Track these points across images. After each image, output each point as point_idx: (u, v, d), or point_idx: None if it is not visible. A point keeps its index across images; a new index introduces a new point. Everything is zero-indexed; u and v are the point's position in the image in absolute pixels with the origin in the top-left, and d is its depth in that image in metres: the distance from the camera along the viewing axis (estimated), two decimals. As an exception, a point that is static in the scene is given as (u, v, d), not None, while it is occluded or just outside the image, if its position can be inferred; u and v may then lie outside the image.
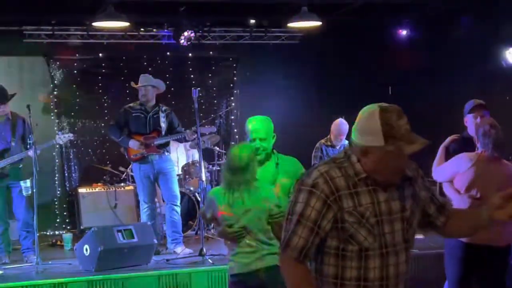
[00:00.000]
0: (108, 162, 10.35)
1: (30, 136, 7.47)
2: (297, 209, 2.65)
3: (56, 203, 10.58)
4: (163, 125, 8.02)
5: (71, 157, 10.73)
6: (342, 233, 2.63)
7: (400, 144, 2.55)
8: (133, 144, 7.91)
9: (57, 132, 9.99)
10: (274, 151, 4.66)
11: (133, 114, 8.03)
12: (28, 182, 7.58)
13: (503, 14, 9.38)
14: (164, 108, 8.15)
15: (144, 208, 8.02)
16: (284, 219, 2.73)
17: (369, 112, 2.62)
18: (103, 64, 10.96)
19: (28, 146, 7.58)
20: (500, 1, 9.49)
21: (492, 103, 6.68)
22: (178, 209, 8.03)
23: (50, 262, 7.38)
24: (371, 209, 2.62)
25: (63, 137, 7.88)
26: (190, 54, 11.15)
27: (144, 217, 8.02)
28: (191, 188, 9.46)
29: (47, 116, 10.52)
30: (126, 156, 8.16)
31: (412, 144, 2.57)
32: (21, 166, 7.73)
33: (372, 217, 2.62)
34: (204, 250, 7.23)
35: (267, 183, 4.45)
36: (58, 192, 10.63)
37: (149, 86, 8.07)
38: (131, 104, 8.18)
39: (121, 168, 9.95)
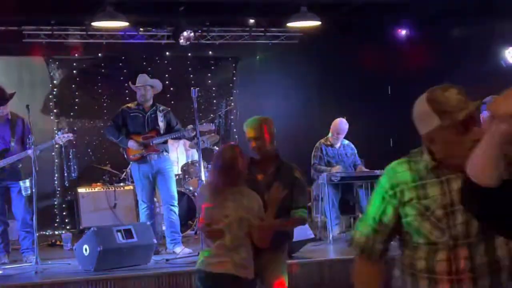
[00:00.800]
0: (107, 162, 10.35)
1: (29, 136, 7.45)
2: (366, 206, 2.71)
3: (55, 203, 10.58)
4: (161, 124, 8.01)
5: (70, 157, 10.73)
6: (408, 227, 2.56)
7: (455, 115, 2.44)
8: (132, 144, 7.90)
9: (56, 132, 10.03)
10: (279, 156, 4.63)
11: (131, 114, 8.02)
12: (27, 182, 7.57)
13: (502, 14, 9.38)
14: (161, 107, 8.13)
15: (142, 208, 8.01)
16: None
17: (418, 100, 2.57)
18: (102, 64, 10.97)
19: (27, 146, 7.57)
20: (499, 0, 9.49)
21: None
22: (176, 209, 8.02)
23: (49, 262, 7.37)
24: (439, 200, 2.50)
25: (63, 137, 7.87)
26: (189, 54, 11.15)
27: (142, 217, 8.02)
28: (191, 188, 9.46)
29: (46, 116, 10.52)
30: (125, 156, 8.15)
31: (465, 109, 2.44)
32: (20, 166, 7.72)
33: (439, 209, 2.49)
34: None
35: (262, 188, 4.43)
36: (58, 192, 10.63)
37: (147, 86, 8.07)
38: (128, 105, 8.16)
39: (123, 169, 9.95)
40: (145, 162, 7.93)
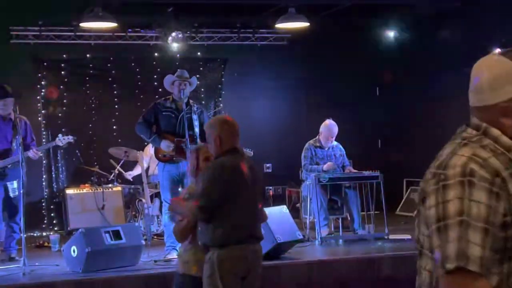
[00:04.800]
0: (95, 163, 10.31)
1: (17, 136, 7.46)
2: (452, 210, 1.89)
3: (43, 204, 10.54)
4: (197, 129, 7.61)
5: (58, 158, 10.69)
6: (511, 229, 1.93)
7: None
8: (165, 145, 7.55)
9: (43, 132, 10.11)
10: (219, 157, 4.48)
11: (163, 113, 7.65)
12: (15, 184, 7.59)
13: (490, 15, 9.44)
14: (196, 107, 7.75)
15: (166, 209, 7.64)
16: (433, 231, 1.94)
17: (490, 61, 2.06)
18: (91, 65, 10.93)
19: (31, 147, 7.67)
20: (486, 2, 9.55)
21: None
22: None
23: (37, 264, 7.34)
24: None
25: (63, 139, 7.96)
26: (178, 55, 11.14)
27: (165, 218, 7.71)
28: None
29: (34, 117, 10.46)
30: (154, 154, 7.84)
31: None
32: (9, 166, 7.73)
33: None
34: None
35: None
36: (46, 193, 10.59)
37: (187, 82, 7.71)
38: (162, 101, 7.77)
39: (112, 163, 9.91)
40: (172, 163, 7.62)
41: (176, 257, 7.41)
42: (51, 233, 9.75)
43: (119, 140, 10.54)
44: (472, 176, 1.90)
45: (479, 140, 2.01)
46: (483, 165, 1.93)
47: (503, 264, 1.93)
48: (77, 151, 10.58)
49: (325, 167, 8.76)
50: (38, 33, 10.26)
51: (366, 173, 8.66)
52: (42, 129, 10.45)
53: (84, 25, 9.70)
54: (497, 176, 1.92)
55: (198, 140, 7.58)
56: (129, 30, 10.68)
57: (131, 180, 10.03)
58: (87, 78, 10.90)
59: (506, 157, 1.98)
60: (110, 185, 9.80)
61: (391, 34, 11.35)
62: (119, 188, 9.71)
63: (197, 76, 11.28)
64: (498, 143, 2.00)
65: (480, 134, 2.03)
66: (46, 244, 9.05)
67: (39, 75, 10.64)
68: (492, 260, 1.90)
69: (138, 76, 11.11)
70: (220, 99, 11.60)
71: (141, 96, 10.88)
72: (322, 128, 8.98)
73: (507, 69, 1.99)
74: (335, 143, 9.08)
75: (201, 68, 11.48)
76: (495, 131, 2.01)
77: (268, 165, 11.48)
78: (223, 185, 4.31)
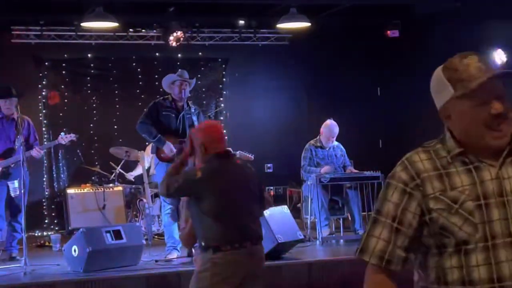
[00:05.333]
0: (96, 163, 10.33)
1: (19, 136, 7.48)
2: (375, 207, 2.21)
3: (44, 204, 10.55)
4: None
5: (59, 157, 10.70)
6: (432, 227, 2.11)
7: (468, 84, 2.08)
8: (168, 149, 7.44)
9: (44, 131, 10.10)
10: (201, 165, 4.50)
11: (163, 113, 7.55)
12: (16, 183, 7.61)
13: (490, 15, 9.44)
14: (193, 108, 7.70)
15: (166, 209, 7.63)
16: None
17: (436, 70, 2.23)
18: (92, 65, 10.95)
19: (30, 147, 7.69)
20: (487, 2, 9.55)
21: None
22: None
23: (38, 263, 7.35)
24: (468, 191, 2.08)
25: (65, 138, 7.99)
26: (179, 55, 11.15)
27: (165, 218, 7.68)
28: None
29: (35, 117, 10.47)
30: (155, 154, 7.83)
31: (480, 78, 2.07)
32: (12, 166, 7.76)
33: (470, 201, 2.08)
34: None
35: None
36: (47, 193, 10.60)
37: (187, 82, 7.63)
38: (161, 100, 7.66)
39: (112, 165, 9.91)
40: (172, 163, 7.58)
41: (176, 257, 7.45)
42: (52, 233, 9.76)
43: (120, 140, 10.56)
44: (392, 178, 2.18)
45: (433, 145, 2.21)
46: (406, 168, 2.16)
47: (438, 259, 2.14)
48: (78, 151, 10.58)
49: (322, 170, 8.73)
50: (39, 32, 10.25)
51: (367, 173, 8.66)
52: (43, 128, 10.46)
53: (85, 24, 9.70)
54: (418, 177, 2.13)
55: None
56: (130, 30, 10.68)
57: (133, 180, 10.04)
58: (88, 77, 10.92)
59: (444, 160, 2.16)
60: (111, 184, 9.81)
61: (391, 34, 11.34)
62: (120, 188, 9.71)
63: (198, 76, 11.38)
64: (446, 146, 2.18)
65: (439, 139, 2.22)
66: (47, 243, 9.06)
67: (40, 74, 10.65)
68: (431, 255, 2.15)
69: (139, 76, 11.12)
70: (221, 99, 11.61)
71: (142, 96, 10.88)
72: (323, 128, 8.98)
73: (439, 76, 2.19)
74: (336, 143, 9.09)
75: (202, 68, 11.49)
76: (446, 135, 2.19)
77: (269, 165, 11.49)
78: (201, 185, 4.31)
